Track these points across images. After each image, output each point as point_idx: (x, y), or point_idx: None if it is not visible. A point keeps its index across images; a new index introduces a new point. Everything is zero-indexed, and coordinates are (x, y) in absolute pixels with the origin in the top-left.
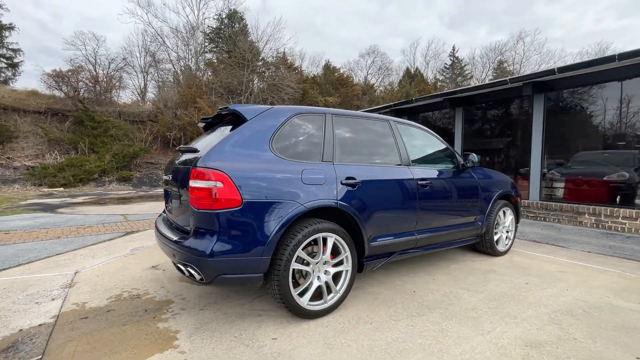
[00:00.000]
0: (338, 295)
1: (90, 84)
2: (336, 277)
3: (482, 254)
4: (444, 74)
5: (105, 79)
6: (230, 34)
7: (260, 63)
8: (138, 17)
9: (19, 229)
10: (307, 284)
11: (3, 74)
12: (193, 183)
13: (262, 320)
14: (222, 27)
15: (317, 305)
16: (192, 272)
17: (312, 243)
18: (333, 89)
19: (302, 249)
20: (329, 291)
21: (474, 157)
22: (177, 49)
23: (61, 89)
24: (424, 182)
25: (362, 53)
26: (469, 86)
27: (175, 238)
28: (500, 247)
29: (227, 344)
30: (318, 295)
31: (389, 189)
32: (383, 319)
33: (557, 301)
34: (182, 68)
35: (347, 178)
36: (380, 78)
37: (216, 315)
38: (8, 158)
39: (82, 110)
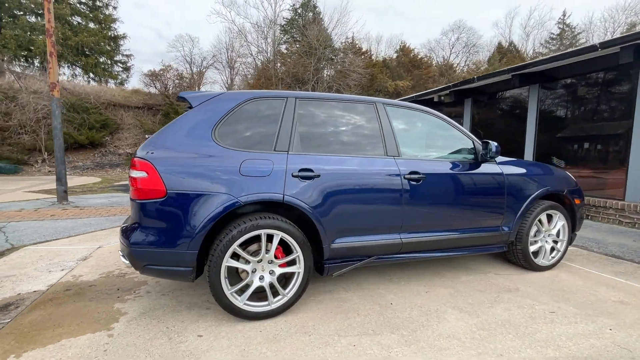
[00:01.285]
0: (285, 299)
1: (177, 81)
2: (288, 278)
3: (516, 266)
4: (549, 45)
5: (190, 76)
6: (304, 23)
7: (327, 50)
8: (223, 16)
9: (92, 206)
10: (245, 283)
11: (120, 77)
12: (130, 173)
13: (206, 314)
14: (296, 17)
15: (258, 307)
16: (124, 260)
17: (262, 240)
18: (405, 71)
19: (241, 246)
20: (276, 293)
21: (493, 146)
22: (257, 42)
23: (155, 87)
24: (415, 176)
25: (445, 30)
26: (542, 57)
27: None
28: (542, 260)
29: (154, 334)
30: (266, 296)
31: (361, 184)
32: (328, 332)
33: (582, 344)
34: (261, 61)
35: (302, 170)
36: (465, 57)
37: (170, 303)
38: (115, 146)
39: (169, 104)
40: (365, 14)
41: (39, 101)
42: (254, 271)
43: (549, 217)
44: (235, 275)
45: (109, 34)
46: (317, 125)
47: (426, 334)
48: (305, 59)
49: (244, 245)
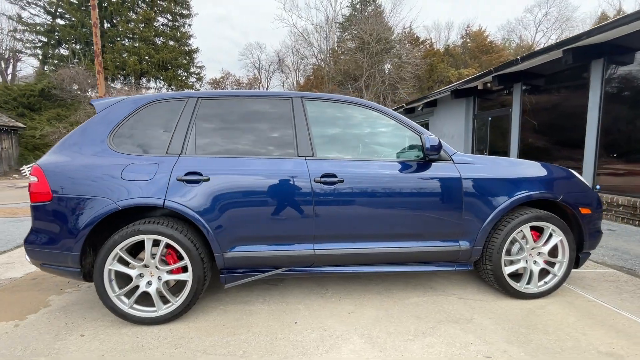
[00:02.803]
0: (173, 307)
1: (235, 86)
2: (182, 285)
3: (498, 292)
4: None
5: (248, 81)
6: (363, 17)
7: (380, 44)
8: (285, 20)
9: None
10: (130, 287)
11: (194, 87)
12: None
13: (108, 314)
14: (355, 12)
15: (144, 313)
16: (27, 259)
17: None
18: (471, 58)
19: (124, 250)
20: (165, 300)
21: (427, 140)
22: (318, 43)
23: None
24: (329, 179)
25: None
26: (608, 22)
27: None
28: (526, 286)
29: (51, 328)
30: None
31: (260, 187)
32: (198, 347)
33: None
34: (318, 61)
35: (189, 173)
36: (557, 33)
37: (94, 299)
38: None
39: None
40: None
41: None
42: (141, 276)
43: (539, 231)
44: (127, 279)
45: (185, 49)
46: (220, 125)
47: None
48: (358, 55)
49: (142, 250)
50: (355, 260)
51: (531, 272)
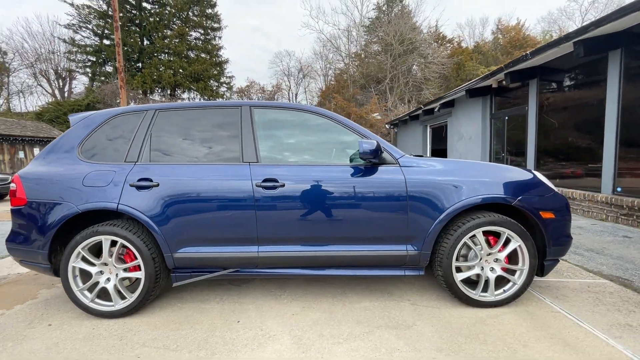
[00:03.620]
0: (128, 302)
1: (260, 94)
2: (139, 282)
3: (456, 299)
4: None
5: (272, 88)
6: (389, 19)
7: (403, 45)
8: (312, 27)
9: None
10: (90, 283)
11: (225, 96)
12: None
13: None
14: (380, 15)
15: (103, 307)
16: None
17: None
18: (503, 54)
19: (87, 249)
20: (122, 296)
21: (361, 145)
22: (347, 47)
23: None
24: (270, 183)
25: None
26: (620, 7)
27: None
28: (482, 294)
29: (28, 317)
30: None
31: (205, 192)
32: (140, 340)
33: None
34: (347, 65)
35: (141, 179)
36: None
37: None
38: None
39: None
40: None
41: None
42: (101, 273)
43: (496, 236)
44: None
45: (216, 60)
46: (174, 134)
47: (222, 358)
48: (381, 57)
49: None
50: (299, 262)
51: (487, 280)
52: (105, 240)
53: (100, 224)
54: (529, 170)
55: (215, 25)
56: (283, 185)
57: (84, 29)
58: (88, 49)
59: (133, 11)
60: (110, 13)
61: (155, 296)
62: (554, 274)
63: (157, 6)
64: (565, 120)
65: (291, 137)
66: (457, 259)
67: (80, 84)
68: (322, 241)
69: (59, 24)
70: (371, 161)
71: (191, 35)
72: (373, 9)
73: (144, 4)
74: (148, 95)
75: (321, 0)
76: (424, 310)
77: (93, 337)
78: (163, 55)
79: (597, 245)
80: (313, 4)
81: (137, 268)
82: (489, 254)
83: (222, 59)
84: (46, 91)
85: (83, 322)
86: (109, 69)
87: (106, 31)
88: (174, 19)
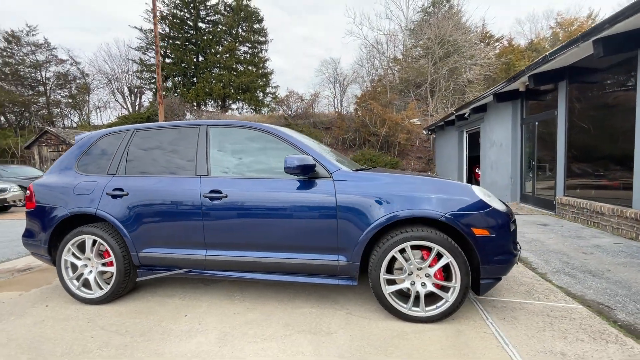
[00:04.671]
0: (104, 292)
1: (299, 102)
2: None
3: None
4: None
5: (311, 97)
6: (437, 22)
7: (444, 47)
8: (355, 34)
9: None
10: (77, 274)
11: (270, 105)
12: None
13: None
14: (426, 17)
15: (86, 294)
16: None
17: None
18: None
19: (75, 246)
20: (100, 286)
21: (286, 160)
22: (393, 51)
23: (283, 110)
24: (215, 194)
25: None
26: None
27: None
28: (413, 308)
29: (33, 299)
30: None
31: (162, 201)
32: (102, 323)
33: None
34: (387, 69)
35: (115, 189)
36: None
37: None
38: None
39: (287, 124)
40: None
41: None
42: (85, 266)
43: (428, 250)
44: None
45: (262, 72)
46: (145, 150)
47: (153, 345)
48: (422, 61)
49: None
50: (242, 267)
51: (417, 294)
52: (88, 239)
53: (85, 225)
54: (467, 186)
55: (262, 39)
56: (226, 196)
57: (150, 50)
58: (152, 67)
59: (190, 31)
60: (172, 34)
61: (128, 289)
62: (523, 294)
63: (210, 25)
64: (597, 126)
65: (240, 152)
66: (388, 272)
67: (148, 98)
68: (261, 249)
69: (131, 47)
70: (299, 175)
71: (240, 49)
72: (418, 12)
73: (200, 24)
74: (201, 106)
75: (365, 7)
76: (355, 319)
77: (70, 318)
78: (214, 69)
79: (602, 267)
80: (357, 11)
81: (112, 263)
82: (420, 269)
83: (268, 70)
84: (121, 106)
85: (70, 306)
86: (168, 84)
87: (168, 51)
88: (225, 36)
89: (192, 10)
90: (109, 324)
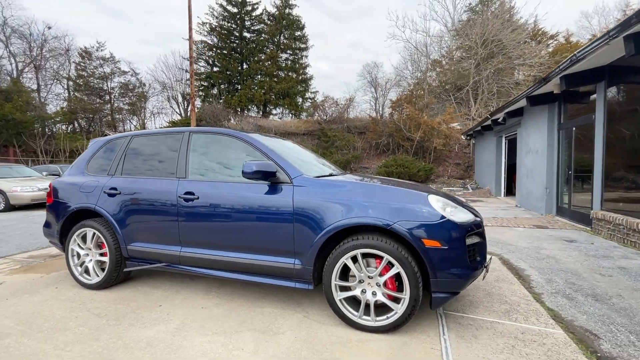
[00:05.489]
0: (99, 279)
1: (334, 107)
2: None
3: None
4: None
5: (346, 102)
6: (483, 20)
7: (488, 48)
8: (397, 37)
9: None
10: (80, 261)
11: (309, 110)
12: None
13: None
14: (473, 16)
15: (87, 280)
16: (47, 238)
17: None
18: None
19: (79, 237)
20: (97, 274)
21: (244, 166)
22: (439, 52)
23: (319, 114)
24: (189, 196)
25: None
26: None
27: None
28: (364, 317)
29: (51, 281)
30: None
31: (145, 200)
32: (92, 306)
33: None
34: (428, 73)
35: (111, 188)
36: None
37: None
38: None
39: (320, 129)
40: None
41: None
42: (86, 255)
43: (381, 259)
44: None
45: (302, 77)
46: (138, 154)
47: (120, 329)
48: (464, 63)
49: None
50: (212, 265)
51: (367, 303)
52: (89, 231)
53: (88, 219)
54: (423, 195)
55: (302, 45)
56: (198, 198)
57: (200, 60)
58: (202, 76)
59: (236, 41)
60: (220, 44)
61: (120, 278)
62: (499, 313)
63: (254, 34)
64: (638, 132)
65: (216, 157)
66: (343, 279)
67: (198, 105)
68: (229, 249)
69: (183, 57)
70: (258, 180)
71: (281, 57)
72: (465, 11)
73: (245, 34)
74: (244, 112)
75: (408, 10)
76: (308, 323)
77: (69, 299)
78: (257, 76)
79: (612, 291)
80: (399, 14)
81: (107, 254)
82: (370, 277)
83: (307, 76)
84: (174, 111)
85: (73, 289)
86: (214, 91)
87: (216, 61)
88: (268, 44)
89: (238, 21)
90: (94, 307)
